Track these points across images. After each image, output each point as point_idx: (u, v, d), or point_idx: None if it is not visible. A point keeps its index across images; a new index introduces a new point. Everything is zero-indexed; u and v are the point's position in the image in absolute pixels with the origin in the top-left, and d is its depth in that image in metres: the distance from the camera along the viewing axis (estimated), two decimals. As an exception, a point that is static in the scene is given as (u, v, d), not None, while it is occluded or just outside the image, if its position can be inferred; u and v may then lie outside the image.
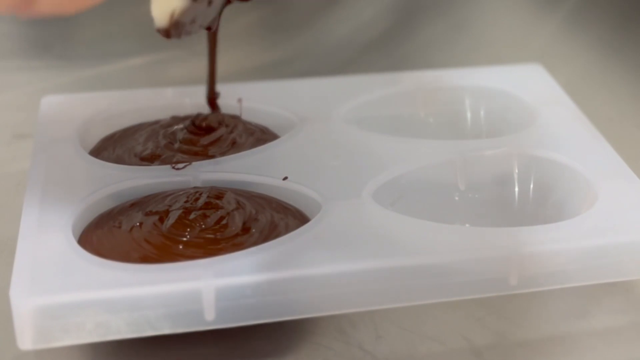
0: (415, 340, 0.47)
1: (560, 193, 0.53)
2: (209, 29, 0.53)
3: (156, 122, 0.57)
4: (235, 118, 0.57)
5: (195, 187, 0.51)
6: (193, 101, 0.59)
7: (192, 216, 0.48)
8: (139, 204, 0.50)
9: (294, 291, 0.44)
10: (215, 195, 0.49)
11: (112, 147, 0.55)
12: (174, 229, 0.47)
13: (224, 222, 0.48)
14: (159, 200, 0.50)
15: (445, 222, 0.48)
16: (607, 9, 0.78)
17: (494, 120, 0.60)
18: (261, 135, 0.56)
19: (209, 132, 0.55)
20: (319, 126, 0.56)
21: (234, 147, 0.55)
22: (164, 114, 0.58)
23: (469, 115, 0.61)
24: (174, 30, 0.46)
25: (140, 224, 0.48)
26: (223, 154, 0.54)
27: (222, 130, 0.55)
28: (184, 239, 0.47)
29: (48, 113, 0.58)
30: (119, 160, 0.54)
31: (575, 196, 0.52)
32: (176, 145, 0.54)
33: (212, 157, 0.53)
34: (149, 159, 0.54)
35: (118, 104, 0.59)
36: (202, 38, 0.54)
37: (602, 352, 0.46)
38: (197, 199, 0.49)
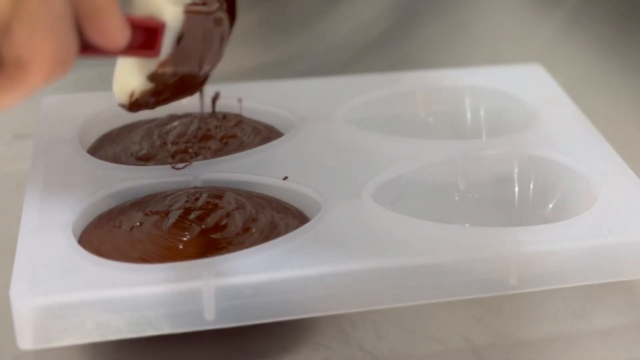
0: (415, 340, 0.47)
1: (560, 193, 0.53)
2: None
3: (152, 121, 0.57)
4: (240, 117, 0.58)
5: (195, 187, 0.51)
6: (192, 101, 0.59)
7: (192, 216, 0.48)
8: (139, 204, 0.50)
9: (294, 291, 0.44)
10: (215, 195, 0.49)
11: (110, 145, 0.56)
12: (174, 229, 0.47)
13: (224, 222, 0.48)
14: (159, 200, 0.50)
15: (445, 222, 0.48)
16: (607, 9, 0.78)
17: (494, 120, 0.60)
18: (268, 134, 0.56)
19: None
20: (319, 126, 0.56)
21: (241, 146, 0.55)
22: (163, 114, 0.58)
23: (469, 115, 0.61)
24: (136, 107, 0.47)
25: (141, 223, 0.48)
26: (227, 153, 0.54)
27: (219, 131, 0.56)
28: (184, 239, 0.47)
29: (48, 113, 0.58)
30: (115, 159, 0.54)
31: (575, 196, 0.52)
32: (169, 146, 0.54)
33: (212, 157, 0.54)
34: (145, 159, 0.54)
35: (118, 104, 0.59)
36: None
37: (602, 352, 0.46)
38: (197, 199, 0.49)
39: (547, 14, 0.80)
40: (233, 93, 0.59)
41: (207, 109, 0.58)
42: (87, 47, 0.38)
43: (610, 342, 0.47)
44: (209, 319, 0.43)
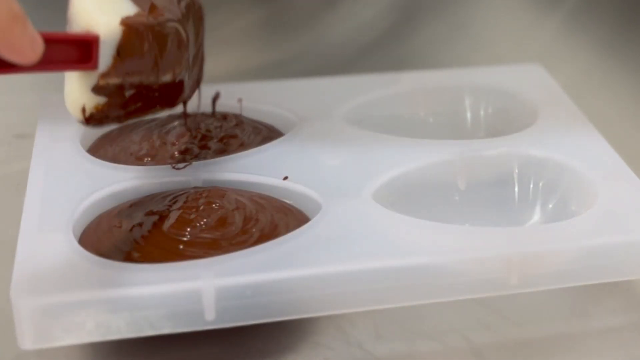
0: (415, 340, 0.47)
1: (560, 193, 0.53)
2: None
3: (152, 121, 0.57)
4: (240, 117, 0.58)
5: (195, 187, 0.51)
6: (192, 101, 0.59)
7: (192, 216, 0.48)
8: (139, 204, 0.50)
9: (294, 291, 0.44)
10: (216, 195, 0.49)
11: (110, 145, 0.55)
12: (175, 229, 0.47)
13: (224, 222, 0.48)
14: (160, 200, 0.50)
15: (445, 222, 0.48)
16: (607, 9, 0.78)
17: (494, 120, 0.60)
18: (268, 134, 0.56)
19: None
20: (319, 126, 0.56)
21: (242, 146, 0.55)
22: (163, 114, 0.58)
23: (469, 115, 0.61)
24: (94, 122, 0.46)
25: (141, 224, 0.48)
26: (227, 153, 0.54)
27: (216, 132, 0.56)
28: (184, 239, 0.47)
29: (48, 113, 0.58)
30: (115, 159, 0.54)
31: (575, 196, 0.52)
32: (169, 147, 0.54)
33: (213, 157, 0.54)
34: (146, 159, 0.54)
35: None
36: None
37: (602, 352, 0.46)
38: (197, 199, 0.49)
39: (547, 14, 0.80)
40: (233, 93, 0.59)
41: (207, 108, 0.58)
42: (3, 64, 0.39)
43: (610, 342, 0.47)
44: (209, 319, 0.43)
